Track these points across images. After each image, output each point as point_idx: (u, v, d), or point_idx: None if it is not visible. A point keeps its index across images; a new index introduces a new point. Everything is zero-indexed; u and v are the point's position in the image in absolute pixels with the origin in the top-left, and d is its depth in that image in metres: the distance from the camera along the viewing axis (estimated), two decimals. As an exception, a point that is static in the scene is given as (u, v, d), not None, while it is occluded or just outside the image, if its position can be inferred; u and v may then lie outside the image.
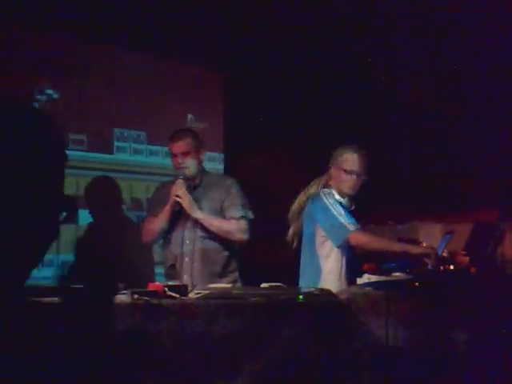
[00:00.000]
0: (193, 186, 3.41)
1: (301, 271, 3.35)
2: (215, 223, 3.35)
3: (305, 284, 3.18)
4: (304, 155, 3.66)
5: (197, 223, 3.35)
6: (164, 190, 3.43)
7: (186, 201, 3.30)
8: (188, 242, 3.36)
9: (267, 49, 4.14)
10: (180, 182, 3.31)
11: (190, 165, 3.36)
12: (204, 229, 3.35)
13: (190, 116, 4.21)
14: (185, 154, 3.34)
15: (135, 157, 4.03)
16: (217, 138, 4.13)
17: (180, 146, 3.35)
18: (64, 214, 0.97)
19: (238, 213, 3.37)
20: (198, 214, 3.32)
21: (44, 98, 3.59)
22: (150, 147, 4.05)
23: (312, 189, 3.40)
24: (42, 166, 0.93)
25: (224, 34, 4.02)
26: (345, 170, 3.34)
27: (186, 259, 3.36)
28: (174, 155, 3.38)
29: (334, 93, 4.39)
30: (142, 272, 3.84)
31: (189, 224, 3.36)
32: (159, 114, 4.07)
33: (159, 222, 3.38)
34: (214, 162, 4.08)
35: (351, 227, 3.21)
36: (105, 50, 3.87)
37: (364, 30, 4.20)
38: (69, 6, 3.47)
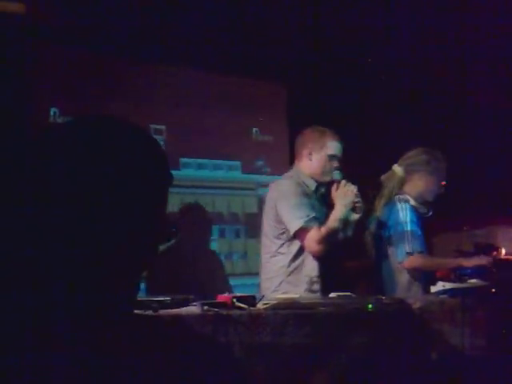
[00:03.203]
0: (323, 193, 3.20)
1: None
2: None
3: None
4: (371, 165, 3.61)
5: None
6: (300, 188, 3.11)
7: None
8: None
9: (330, 59, 4.14)
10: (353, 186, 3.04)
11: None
12: None
13: (255, 129, 4.24)
14: (340, 158, 3.18)
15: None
16: (282, 150, 4.14)
17: (342, 149, 3.18)
18: (167, 235, 0.96)
19: None
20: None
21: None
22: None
23: (384, 192, 3.34)
24: (147, 186, 0.91)
25: (286, 45, 4.04)
26: (437, 180, 3.31)
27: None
28: (334, 156, 3.14)
29: (404, 99, 4.32)
30: (216, 285, 3.84)
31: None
32: (225, 129, 4.10)
33: (336, 227, 3.02)
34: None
35: (412, 248, 3.17)
36: (165, 68, 3.90)
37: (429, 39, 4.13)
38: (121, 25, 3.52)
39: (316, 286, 3.06)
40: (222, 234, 4.08)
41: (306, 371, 2.24)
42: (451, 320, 2.65)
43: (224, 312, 2.27)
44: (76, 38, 3.48)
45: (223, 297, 2.40)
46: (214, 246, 4.06)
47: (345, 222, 3.03)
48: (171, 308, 2.32)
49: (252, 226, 4.02)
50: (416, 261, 3.17)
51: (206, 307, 2.30)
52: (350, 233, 3.12)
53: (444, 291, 2.84)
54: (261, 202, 3.89)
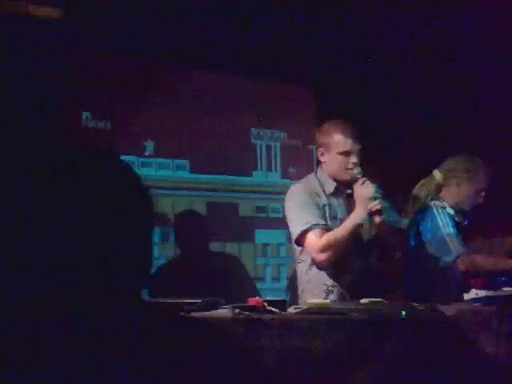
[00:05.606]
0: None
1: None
2: None
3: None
4: (401, 169, 3.58)
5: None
6: (309, 192, 2.89)
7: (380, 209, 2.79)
8: (360, 260, 2.90)
9: (359, 61, 4.11)
10: (371, 185, 2.77)
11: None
12: None
13: (282, 134, 4.18)
14: (357, 153, 2.87)
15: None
16: (311, 155, 4.10)
17: (358, 144, 2.86)
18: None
19: None
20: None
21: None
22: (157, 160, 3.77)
23: (421, 195, 3.29)
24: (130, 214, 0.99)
25: (315, 48, 4.02)
26: (475, 189, 3.23)
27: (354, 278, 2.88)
28: (348, 153, 2.85)
29: (440, 103, 4.26)
30: (243, 289, 3.80)
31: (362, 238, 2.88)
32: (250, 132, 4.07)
33: (346, 234, 2.77)
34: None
35: (459, 249, 3.10)
36: (193, 72, 3.88)
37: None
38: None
39: (331, 296, 2.85)
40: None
41: (336, 378, 2.21)
42: (486, 329, 2.60)
43: (255, 316, 2.26)
44: (107, 42, 3.51)
45: (254, 300, 2.39)
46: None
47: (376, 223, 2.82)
48: (202, 311, 2.32)
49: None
50: (469, 260, 3.12)
51: (237, 310, 2.29)
52: (398, 221, 2.99)
53: (477, 299, 2.79)
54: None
